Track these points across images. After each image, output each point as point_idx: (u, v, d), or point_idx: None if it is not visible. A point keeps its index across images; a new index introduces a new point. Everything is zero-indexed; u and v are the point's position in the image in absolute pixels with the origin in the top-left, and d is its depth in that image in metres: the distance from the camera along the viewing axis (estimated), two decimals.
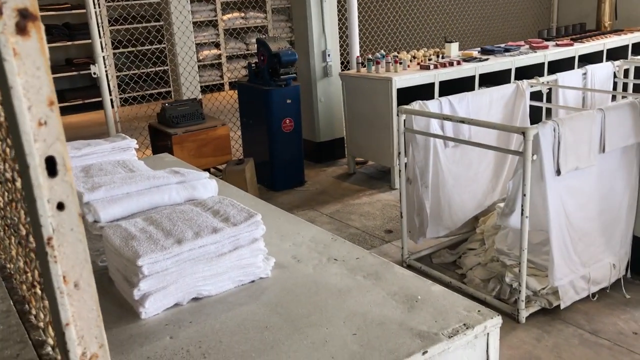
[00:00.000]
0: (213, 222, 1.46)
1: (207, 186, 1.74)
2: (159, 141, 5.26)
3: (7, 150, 0.71)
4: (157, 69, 9.26)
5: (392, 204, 4.81)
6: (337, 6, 6.03)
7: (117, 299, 1.41)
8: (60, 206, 0.50)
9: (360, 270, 1.49)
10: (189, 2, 6.85)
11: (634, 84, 4.49)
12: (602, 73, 4.35)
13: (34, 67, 0.48)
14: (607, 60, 5.71)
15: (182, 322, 1.31)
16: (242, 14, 10.39)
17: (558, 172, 2.85)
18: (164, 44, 7.70)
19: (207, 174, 1.81)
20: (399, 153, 3.56)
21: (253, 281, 1.45)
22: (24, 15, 0.47)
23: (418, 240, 3.72)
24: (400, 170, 3.63)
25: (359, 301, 1.35)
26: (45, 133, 0.49)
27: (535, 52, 5.80)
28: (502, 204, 3.26)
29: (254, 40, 9.77)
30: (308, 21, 5.80)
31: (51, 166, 0.50)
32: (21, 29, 0.47)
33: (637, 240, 3.33)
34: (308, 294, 1.39)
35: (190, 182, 1.72)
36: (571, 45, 6.06)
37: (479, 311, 1.29)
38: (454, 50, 5.64)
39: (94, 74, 4.37)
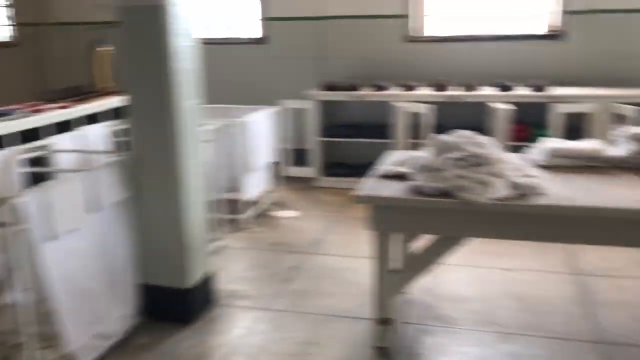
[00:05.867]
0: None
1: None
2: None
3: None
4: None
5: None
6: None
7: None
8: None
9: None
10: None
11: (126, 142, 4.85)
12: (98, 133, 4.59)
13: None
14: (106, 121, 6.04)
15: None
16: None
17: (52, 238, 2.83)
18: None
19: None
20: None
21: None
22: None
23: None
24: None
25: None
26: None
27: (34, 115, 5.66)
28: None
29: None
30: None
31: None
32: None
33: (142, 287, 3.59)
34: None
35: None
36: (69, 107, 6.16)
37: None
38: None
39: None
